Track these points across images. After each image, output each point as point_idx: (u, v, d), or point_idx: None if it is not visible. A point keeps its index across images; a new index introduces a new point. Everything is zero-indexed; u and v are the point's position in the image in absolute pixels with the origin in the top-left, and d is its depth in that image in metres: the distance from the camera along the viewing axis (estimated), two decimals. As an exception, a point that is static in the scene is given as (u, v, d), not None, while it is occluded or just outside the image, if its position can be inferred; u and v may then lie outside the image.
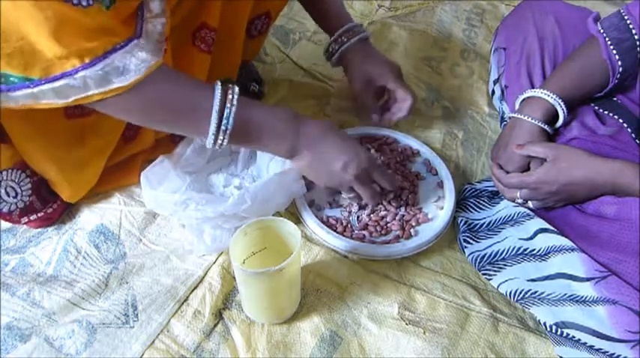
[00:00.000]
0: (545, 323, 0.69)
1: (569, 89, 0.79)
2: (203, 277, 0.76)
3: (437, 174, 0.91)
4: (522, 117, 0.80)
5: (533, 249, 0.74)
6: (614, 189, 0.70)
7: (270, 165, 0.82)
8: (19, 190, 0.75)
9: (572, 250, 0.68)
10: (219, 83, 0.65)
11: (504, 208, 0.82)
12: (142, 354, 0.68)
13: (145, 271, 0.76)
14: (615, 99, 0.85)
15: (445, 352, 0.70)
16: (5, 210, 0.75)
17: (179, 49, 0.77)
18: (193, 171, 0.82)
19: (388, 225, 0.82)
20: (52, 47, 0.52)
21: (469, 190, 0.89)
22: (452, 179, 0.88)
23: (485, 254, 0.79)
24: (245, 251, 0.67)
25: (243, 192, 0.73)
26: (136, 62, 0.58)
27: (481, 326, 0.73)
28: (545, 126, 0.79)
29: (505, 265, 0.76)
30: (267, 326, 0.71)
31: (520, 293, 0.72)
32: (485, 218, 0.84)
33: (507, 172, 0.81)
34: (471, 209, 0.86)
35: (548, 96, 0.78)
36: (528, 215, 0.78)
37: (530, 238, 0.75)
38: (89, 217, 0.82)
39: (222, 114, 0.65)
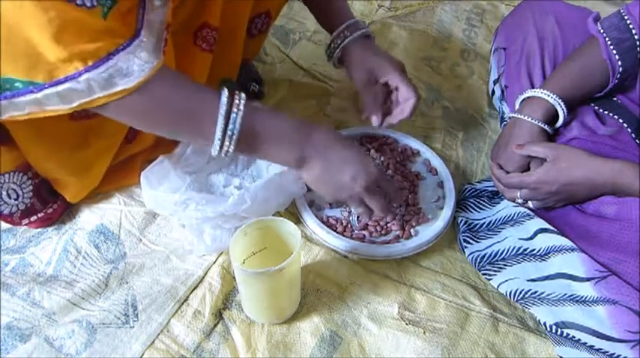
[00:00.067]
0: (545, 323, 0.69)
1: (569, 89, 0.79)
2: (203, 277, 0.76)
3: (437, 174, 0.91)
4: (522, 117, 0.80)
5: (533, 249, 0.74)
6: (614, 189, 0.70)
7: (270, 165, 0.82)
8: (20, 192, 0.75)
9: (572, 250, 0.68)
10: (225, 89, 0.63)
11: (504, 208, 0.82)
12: (142, 354, 0.68)
13: (145, 271, 0.76)
14: (615, 99, 0.85)
15: (445, 352, 0.70)
16: (6, 212, 0.75)
17: (181, 48, 0.76)
18: (193, 171, 0.82)
19: (388, 225, 0.82)
20: (54, 49, 0.52)
21: (469, 190, 0.89)
22: (452, 179, 0.88)
23: (486, 254, 0.79)
24: (245, 251, 0.67)
25: (243, 192, 0.73)
26: (139, 63, 0.57)
27: (481, 326, 0.73)
28: (545, 126, 0.79)
29: (505, 265, 0.76)
30: (267, 326, 0.71)
31: (520, 293, 0.72)
32: (485, 218, 0.84)
33: (507, 172, 0.81)
34: (471, 209, 0.86)
35: (548, 96, 0.78)
36: (528, 215, 0.78)
37: (530, 238, 0.75)
38: (89, 217, 0.82)
39: (229, 119, 0.62)
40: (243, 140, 0.64)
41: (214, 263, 0.77)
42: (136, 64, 0.57)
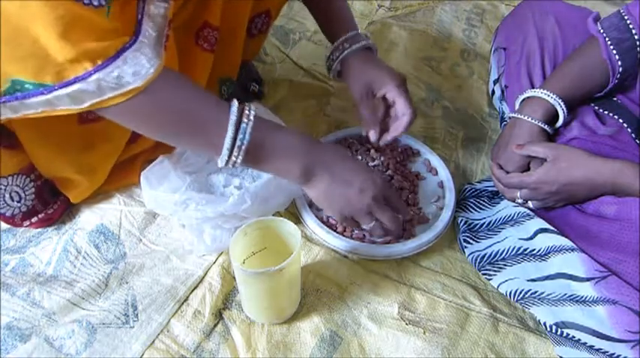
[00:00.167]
0: (545, 323, 0.69)
1: (569, 89, 0.79)
2: (203, 277, 0.76)
3: (437, 174, 0.91)
4: (522, 117, 0.80)
5: (533, 249, 0.74)
6: (614, 189, 0.70)
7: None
8: (23, 195, 0.75)
9: (572, 250, 0.68)
10: (235, 100, 0.62)
11: (504, 208, 0.82)
12: (142, 354, 0.68)
13: (145, 271, 0.76)
14: (615, 99, 0.85)
15: (445, 352, 0.70)
16: (8, 214, 0.75)
17: (183, 48, 0.76)
18: (193, 171, 0.82)
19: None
20: (62, 49, 0.51)
21: (469, 190, 0.89)
22: (452, 179, 0.88)
23: (486, 254, 0.79)
24: (245, 251, 0.67)
25: (243, 192, 0.73)
26: (147, 59, 0.56)
27: (481, 326, 0.73)
28: (545, 126, 0.79)
29: (505, 265, 0.76)
30: (267, 326, 0.71)
31: (520, 293, 0.72)
32: (485, 218, 0.84)
33: (507, 172, 0.81)
34: (471, 209, 0.86)
35: (549, 96, 0.78)
36: (528, 215, 0.78)
37: (530, 238, 0.75)
38: (89, 217, 0.82)
39: (239, 129, 0.61)
40: (251, 152, 0.63)
41: (214, 263, 0.77)
42: (144, 62, 0.56)
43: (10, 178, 0.72)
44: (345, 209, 0.69)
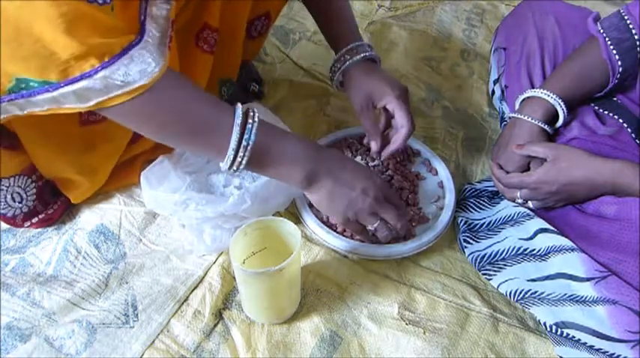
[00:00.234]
0: (545, 323, 0.69)
1: (569, 89, 0.79)
2: (203, 277, 0.76)
3: (437, 174, 0.91)
4: (522, 117, 0.80)
5: (533, 249, 0.74)
6: (614, 189, 0.70)
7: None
8: (24, 195, 0.75)
9: (572, 250, 0.68)
10: (239, 103, 0.63)
11: (504, 208, 0.82)
12: (142, 354, 0.68)
13: (145, 271, 0.76)
14: (615, 99, 0.85)
15: (445, 352, 0.70)
16: (10, 214, 0.75)
17: (183, 49, 0.76)
18: (193, 171, 0.82)
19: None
20: (68, 45, 0.50)
21: (469, 190, 0.89)
22: (452, 179, 0.88)
23: (486, 254, 0.79)
24: (245, 251, 0.68)
25: (243, 192, 0.73)
26: (152, 57, 0.56)
27: (481, 326, 0.73)
28: (545, 126, 0.79)
29: (505, 265, 0.76)
30: (267, 326, 0.71)
31: (520, 293, 0.72)
32: (485, 218, 0.84)
33: (507, 172, 0.81)
34: (471, 209, 0.86)
35: (549, 96, 0.78)
36: (528, 215, 0.78)
37: (530, 238, 0.75)
38: (89, 217, 0.82)
39: (244, 130, 0.62)
40: (256, 154, 0.63)
41: (214, 263, 0.77)
42: (150, 60, 0.56)
43: (11, 179, 0.73)
44: (348, 211, 0.69)
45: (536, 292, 0.71)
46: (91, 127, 0.71)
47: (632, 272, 0.63)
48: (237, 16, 0.83)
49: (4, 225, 0.80)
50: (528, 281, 0.73)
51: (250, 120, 0.62)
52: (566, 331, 0.66)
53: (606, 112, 0.83)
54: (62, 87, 0.53)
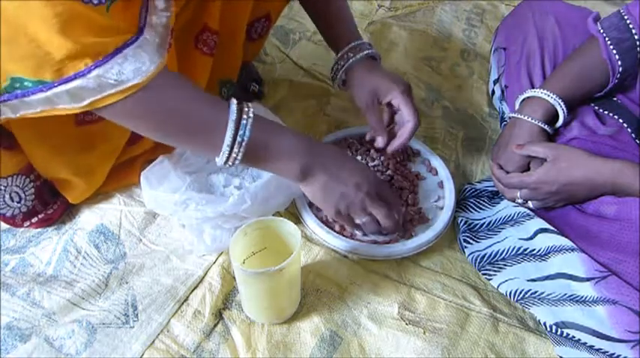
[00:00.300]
0: (545, 323, 0.69)
1: (569, 89, 0.79)
2: (203, 277, 0.76)
3: (437, 174, 0.90)
4: (522, 117, 0.80)
5: (533, 249, 0.74)
6: (614, 189, 0.70)
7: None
8: (22, 195, 0.75)
9: (572, 250, 0.68)
10: (233, 99, 0.63)
11: (504, 208, 0.82)
12: (142, 354, 0.68)
13: (145, 271, 0.76)
14: (615, 99, 0.85)
15: (445, 352, 0.70)
16: (8, 214, 0.75)
17: (182, 52, 0.76)
18: (193, 171, 0.82)
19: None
20: (62, 45, 0.51)
21: (469, 190, 0.89)
22: (452, 179, 0.88)
23: (486, 254, 0.79)
24: (245, 251, 0.68)
25: (243, 192, 0.73)
26: (147, 57, 0.57)
27: (481, 326, 0.73)
28: (545, 126, 0.79)
29: (505, 265, 0.76)
30: (267, 326, 0.71)
31: (520, 293, 0.72)
32: (485, 218, 0.84)
33: (507, 172, 0.81)
34: (471, 209, 0.86)
35: (548, 96, 0.78)
36: (528, 215, 0.78)
37: (530, 238, 0.75)
38: (89, 217, 0.82)
39: (239, 126, 0.62)
40: (251, 150, 0.63)
41: (214, 263, 0.77)
42: (145, 59, 0.56)
43: (9, 179, 0.73)
44: (340, 204, 0.70)
45: (536, 292, 0.71)
46: (88, 127, 0.71)
47: (632, 272, 0.63)
48: (238, 18, 0.83)
49: (4, 225, 0.80)
50: (528, 281, 0.73)
51: (245, 116, 0.62)
52: (566, 331, 0.66)
53: (606, 112, 0.83)
54: (56, 86, 0.53)
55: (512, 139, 0.80)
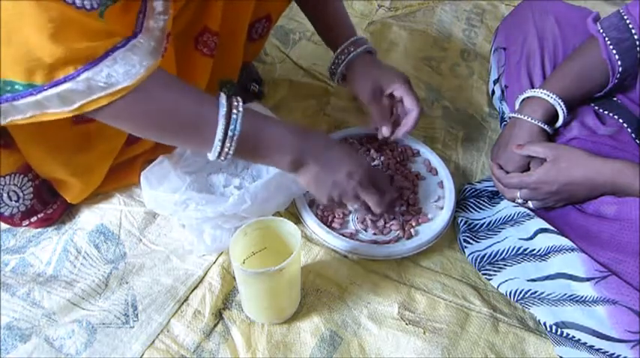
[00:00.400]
0: (545, 323, 0.69)
1: (568, 89, 0.79)
2: (203, 277, 0.76)
3: (437, 174, 0.91)
4: (522, 117, 0.80)
5: (533, 249, 0.74)
6: (614, 189, 0.70)
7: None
8: (21, 194, 0.75)
9: (572, 250, 0.68)
10: (222, 93, 0.63)
11: (504, 208, 0.82)
12: (142, 354, 0.68)
13: (145, 271, 0.76)
14: (615, 99, 0.85)
15: (445, 352, 0.70)
16: (7, 213, 0.75)
17: (182, 53, 0.76)
18: (193, 171, 0.82)
19: (386, 225, 0.82)
20: (53, 51, 0.51)
21: (469, 190, 0.89)
22: (452, 179, 0.88)
23: (486, 254, 0.79)
24: (245, 251, 0.68)
25: (243, 192, 0.73)
26: (138, 60, 0.57)
27: (481, 326, 0.73)
28: (545, 126, 0.79)
29: (505, 265, 0.76)
30: (267, 326, 0.71)
31: (520, 293, 0.72)
32: (485, 218, 0.84)
33: (507, 172, 0.81)
34: (471, 209, 0.86)
35: (548, 96, 0.78)
36: (528, 215, 0.78)
37: (530, 238, 0.75)
38: (89, 217, 0.82)
39: (229, 121, 0.62)
40: (243, 142, 0.64)
41: (214, 263, 0.77)
42: (135, 62, 0.56)
43: (7, 177, 0.72)
44: (333, 193, 0.71)
45: (536, 292, 0.71)
46: (85, 126, 0.71)
47: (632, 272, 0.64)
48: (239, 18, 0.83)
49: (4, 225, 0.80)
50: (528, 281, 0.73)
51: (235, 111, 0.63)
52: (566, 331, 0.66)
53: (606, 112, 0.83)
54: (46, 90, 0.53)
55: (512, 139, 0.80)
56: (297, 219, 0.83)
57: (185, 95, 0.63)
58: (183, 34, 0.77)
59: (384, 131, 0.86)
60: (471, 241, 0.81)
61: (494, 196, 0.86)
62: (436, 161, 0.92)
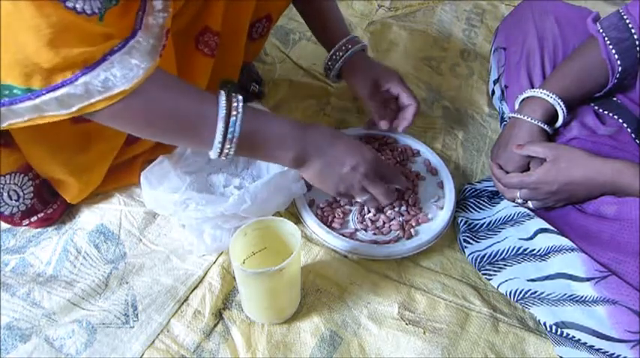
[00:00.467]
0: (545, 323, 0.69)
1: (568, 89, 0.79)
2: (203, 277, 0.76)
3: (437, 174, 0.91)
4: (522, 117, 0.80)
5: (533, 249, 0.74)
6: (614, 189, 0.70)
7: (270, 165, 0.82)
8: (21, 193, 0.75)
9: (572, 250, 0.68)
10: (222, 92, 0.63)
11: (504, 208, 0.82)
12: (142, 354, 0.68)
13: (145, 271, 0.76)
14: (615, 99, 0.85)
15: (445, 352, 0.70)
16: (7, 212, 0.75)
17: (182, 53, 0.76)
18: (193, 171, 0.83)
19: (386, 225, 0.82)
20: (51, 56, 0.51)
21: (469, 190, 0.89)
22: (452, 179, 0.88)
23: (486, 254, 0.79)
24: (245, 251, 0.68)
25: (243, 192, 0.73)
26: (135, 63, 0.57)
27: (481, 326, 0.73)
28: (545, 126, 0.79)
29: (505, 265, 0.76)
30: (267, 326, 0.71)
31: (520, 293, 0.72)
32: (485, 218, 0.84)
33: (507, 172, 0.81)
34: (471, 209, 0.86)
35: (548, 96, 0.78)
36: (528, 215, 0.78)
37: (530, 238, 0.75)
38: (89, 217, 0.82)
39: (228, 123, 0.62)
40: (243, 142, 0.64)
41: (214, 263, 0.77)
42: (133, 65, 0.56)
43: (7, 177, 0.72)
44: (340, 186, 0.72)
45: (536, 292, 0.71)
46: (84, 125, 0.71)
47: (632, 273, 0.63)
48: (240, 18, 0.83)
49: (5, 225, 0.80)
50: (528, 281, 0.73)
51: (234, 112, 0.63)
52: (566, 331, 0.66)
53: (606, 112, 0.83)
54: (44, 94, 0.53)
55: (512, 139, 0.80)
56: (297, 219, 0.83)
57: (184, 95, 0.63)
58: (183, 33, 0.76)
59: (383, 125, 0.90)
60: (470, 241, 0.81)
61: (494, 196, 0.86)
62: (436, 161, 0.92)
